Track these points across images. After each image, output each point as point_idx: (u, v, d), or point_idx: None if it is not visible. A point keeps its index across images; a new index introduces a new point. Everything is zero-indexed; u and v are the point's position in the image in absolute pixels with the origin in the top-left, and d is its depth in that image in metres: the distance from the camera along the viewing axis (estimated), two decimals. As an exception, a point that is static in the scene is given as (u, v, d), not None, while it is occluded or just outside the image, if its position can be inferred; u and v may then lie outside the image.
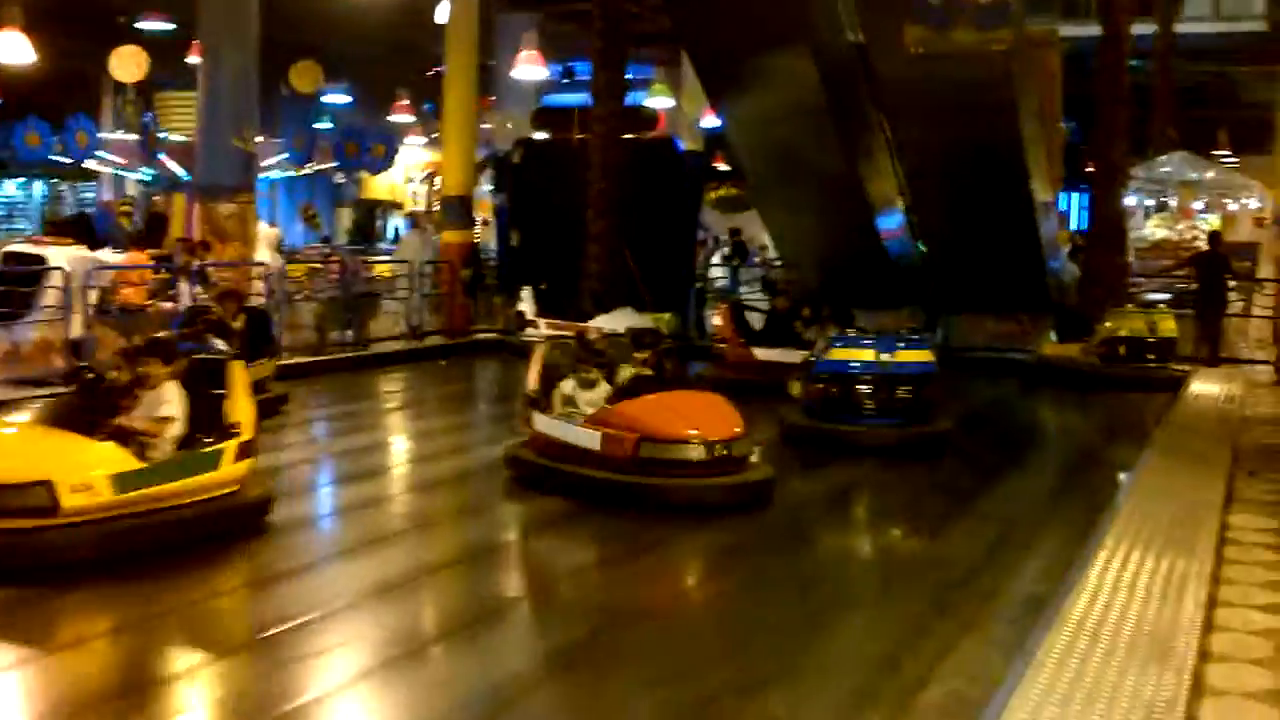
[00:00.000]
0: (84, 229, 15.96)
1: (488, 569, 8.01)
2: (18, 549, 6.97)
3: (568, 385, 9.69)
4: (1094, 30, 19.01)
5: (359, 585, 7.20)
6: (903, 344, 11.92)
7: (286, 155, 24.93)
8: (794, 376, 12.20)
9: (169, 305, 14.50)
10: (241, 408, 8.15)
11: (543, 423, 9.62)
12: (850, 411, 11.48)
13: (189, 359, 8.23)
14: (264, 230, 18.81)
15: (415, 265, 19.26)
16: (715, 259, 24.99)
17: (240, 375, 8.31)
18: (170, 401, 7.83)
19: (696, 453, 8.96)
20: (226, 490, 7.93)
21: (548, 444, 9.53)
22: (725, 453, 9.02)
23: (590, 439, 9.13)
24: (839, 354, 11.78)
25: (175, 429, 7.76)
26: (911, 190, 18.61)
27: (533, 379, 9.93)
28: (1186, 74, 29.50)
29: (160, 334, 9.03)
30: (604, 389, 9.64)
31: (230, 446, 7.93)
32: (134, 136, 24.97)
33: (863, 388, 11.46)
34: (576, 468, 9.17)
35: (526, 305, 18.60)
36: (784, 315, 15.58)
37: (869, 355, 11.65)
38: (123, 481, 7.31)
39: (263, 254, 17.27)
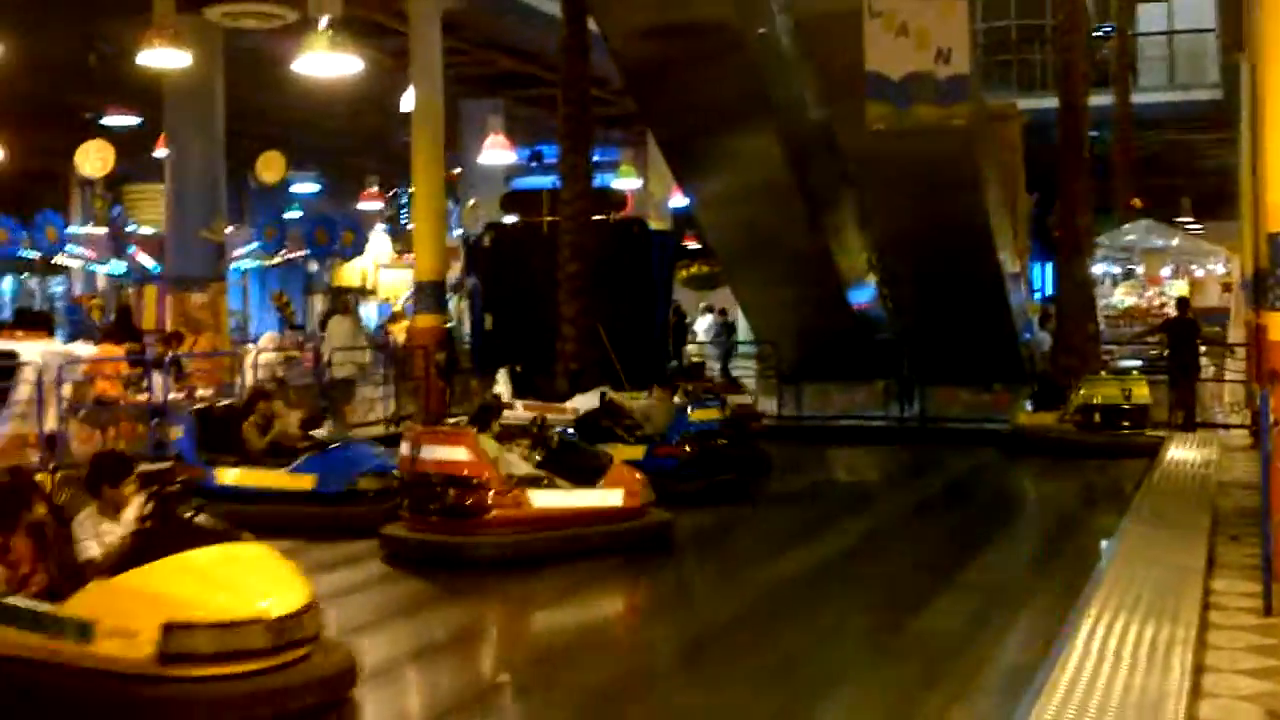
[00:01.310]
0: (43, 323, 15.93)
1: (475, 652, 7.92)
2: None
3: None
4: (1052, 102, 19.26)
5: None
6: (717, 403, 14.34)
7: (257, 244, 24.96)
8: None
9: (143, 397, 14.45)
10: None
11: (546, 498, 9.95)
12: (699, 467, 12.64)
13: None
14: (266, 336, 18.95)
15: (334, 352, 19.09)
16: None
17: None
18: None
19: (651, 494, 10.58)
20: None
21: (543, 519, 9.87)
22: None
23: (616, 497, 10.21)
24: (701, 415, 13.34)
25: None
26: (881, 264, 18.76)
27: (496, 465, 9.91)
28: (1147, 142, 29.97)
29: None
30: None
31: None
32: (103, 230, 25.00)
33: (698, 446, 12.85)
34: (586, 529, 9.99)
35: (502, 387, 18.57)
36: None
37: (716, 414, 13.63)
38: None
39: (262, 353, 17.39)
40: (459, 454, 9.82)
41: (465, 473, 9.74)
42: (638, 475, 10.53)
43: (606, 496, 10.19)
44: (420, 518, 9.90)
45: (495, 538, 9.73)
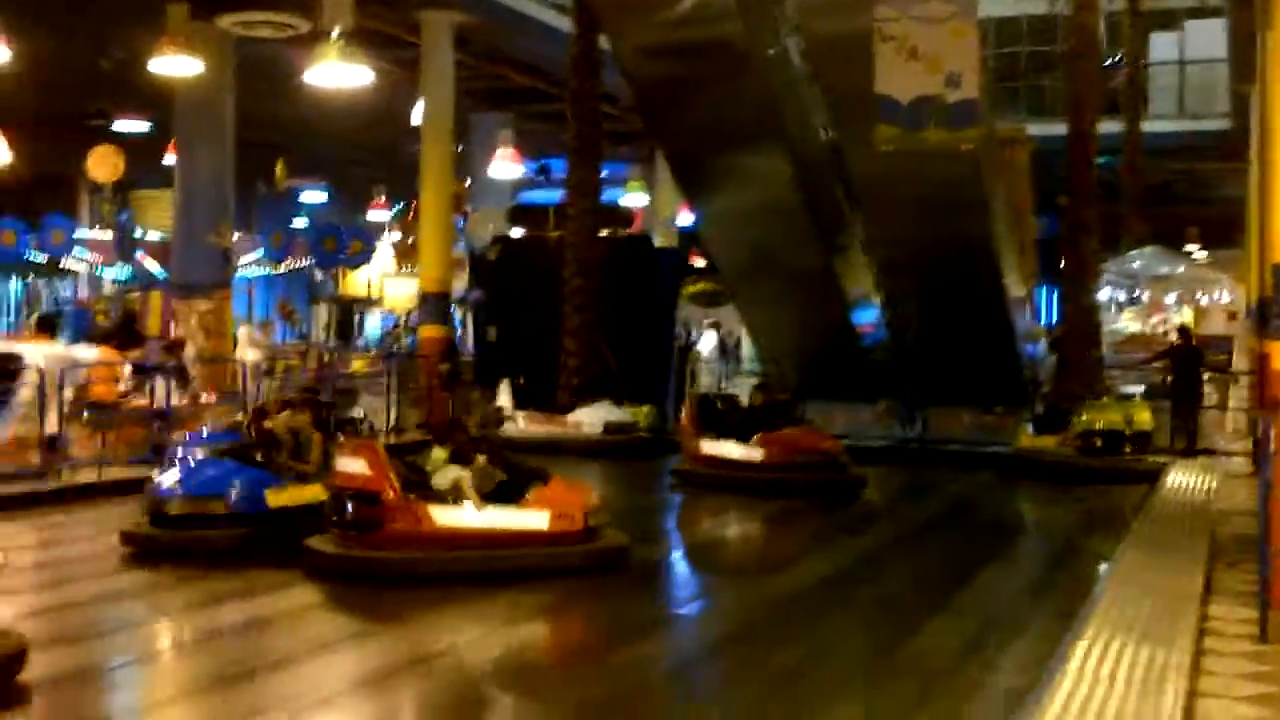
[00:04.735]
0: (47, 326, 16.02)
1: (453, 666, 7.84)
2: None
3: (462, 476, 9.82)
4: (1062, 129, 19.27)
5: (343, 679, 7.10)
6: None
7: (263, 252, 25.03)
8: None
9: (142, 402, 14.48)
10: None
11: (449, 515, 9.62)
12: None
13: None
14: (243, 332, 18.72)
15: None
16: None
17: None
18: None
19: (605, 516, 10.27)
20: None
21: (460, 537, 9.61)
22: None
23: (540, 520, 9.83)
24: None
25: None
26: (886, 285, 18.74)
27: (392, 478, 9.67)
28: (1155, 170, 29.99)
29: None
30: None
31: None
32: (110, 234, 25.09)
33: None
34: (515, 551, 9.71)
35: (504, 399, 18.61)
36: (759, 411, 15.62)
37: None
38: None
39: (245, 353, 17.25)
40: (358, 466, 9.64)
41: (364, 485, 9.56)
42: (575, 497, 10.09)
43: (527, 518, 9.79)
44: (338, 531, 9.75)
45: (399, 554, 9.50)
